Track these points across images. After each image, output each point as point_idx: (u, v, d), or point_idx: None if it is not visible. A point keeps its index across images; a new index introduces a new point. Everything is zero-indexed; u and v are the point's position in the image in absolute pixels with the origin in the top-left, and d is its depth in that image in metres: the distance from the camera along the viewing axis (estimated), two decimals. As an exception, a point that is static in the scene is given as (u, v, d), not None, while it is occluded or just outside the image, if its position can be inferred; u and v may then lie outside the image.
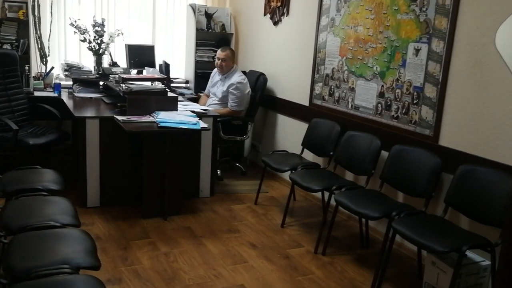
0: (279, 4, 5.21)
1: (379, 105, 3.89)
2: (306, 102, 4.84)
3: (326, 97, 4.53)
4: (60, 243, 2.36)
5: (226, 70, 5.12)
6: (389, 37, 3.77)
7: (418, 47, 3.51)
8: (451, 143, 3.29)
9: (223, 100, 5.08)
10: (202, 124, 4.03)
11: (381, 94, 3.87)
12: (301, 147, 4.52)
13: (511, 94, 2.89)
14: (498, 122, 2.96)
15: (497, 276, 1.69)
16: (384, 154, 3.65)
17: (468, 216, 3.05)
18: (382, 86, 3.85)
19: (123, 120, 3.95)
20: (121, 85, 4.29)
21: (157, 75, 4.96)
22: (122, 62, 5.51)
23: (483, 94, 3.06)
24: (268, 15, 5.44)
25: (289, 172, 4.07)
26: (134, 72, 5.27)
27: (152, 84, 4.46)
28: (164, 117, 4.00)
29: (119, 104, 4.43)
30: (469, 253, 2.94)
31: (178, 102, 4.44)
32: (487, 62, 3.03)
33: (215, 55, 5.32)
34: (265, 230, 3.97)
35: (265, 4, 5.49)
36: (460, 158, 3.16)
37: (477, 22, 3.10)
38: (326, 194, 3.78)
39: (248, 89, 5.11)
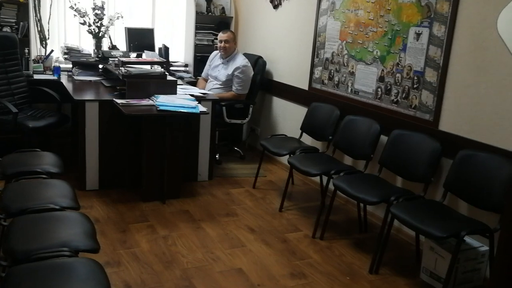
0: (279, -13, 5.09)
1: (379, 89, 3.80)
2: (305, 86, 4.74)
3: (326, 81, 4.44)
4: (60, 226, 2.33)
5: (230, 52, 5.03)
6: (389, 21, 3.66)
7: (419, 31, 3.41)
8: (451, 128, 3.21)
9: (227, 84, 5.00)
10: (201, 108, 3.95)
11: (381, 79, 3.78)
12: (300, 131, 4.45)
13: (513, 79, 2.81)
14: (499, 107, 2.88)
15: (496, 262, 1.64)
16: (384, 138, 3.57)
17: (467, 201, 2.98)
18: (382, 70, 3.76)
19: (122, 103, 3.87)
20: (121, 68, 4.20)
21: (157, 58, 4.86)
22: (122, 45, 5.40)
23: (484, 78, 2.98)
24: (268, -1, 5.32)
25: (288, 156, 4.00)
26: (133, 55, 5.17)
27: (151, 68, 4.37)
28: (163, 101, 3.92)
29: (118, 87, 4.35)
30: (468, 239, 2.88)
31: (177, 86, 4.35)
32: (488, 47, 2.94)
33: (215, 39, 5.21)
34: (263, 214, 3.91)
35: (265, -13, 5.37)
36: (460, 143, 3.08)
37: (479, 6, 3.00)
38: (325, 178, 3.70)
39: (252, 72, 5.02)
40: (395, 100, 3.64)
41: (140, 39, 5.40)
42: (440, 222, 2.75)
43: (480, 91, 3.00)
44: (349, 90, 4.13)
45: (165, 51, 5.38)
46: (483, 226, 2.73)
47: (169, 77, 4.43)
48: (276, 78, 5.27)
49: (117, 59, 4.59)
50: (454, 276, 2.80)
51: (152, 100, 3.98)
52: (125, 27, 5.36)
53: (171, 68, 5.56)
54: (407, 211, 2.88)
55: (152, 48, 5.40)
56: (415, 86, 3.46)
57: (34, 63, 5.13)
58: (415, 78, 3.46)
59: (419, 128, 3.38)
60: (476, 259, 2.87)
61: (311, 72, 4.64)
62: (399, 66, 3.59)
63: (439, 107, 3.28)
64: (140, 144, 3.96)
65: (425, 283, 2.99)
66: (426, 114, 3.38)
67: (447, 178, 3.05)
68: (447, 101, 3.23)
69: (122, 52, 5.07)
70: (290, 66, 5.01)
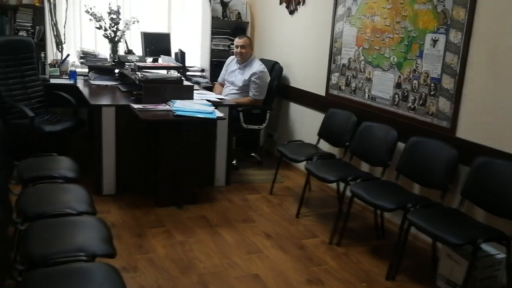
0: (295, -8, 5.24)
1: (396, 96, 3.91)
2: (322, 92, 4.87)
3: (343, 87, 4.56)
4: (76, 231, 2.44)
5: (246, 57, 5.18)
6: (406, 27, 3.78)
7: (435, 38, 3.53)
8: (468, 135, 3.31)
9: (243, 89, 5.14)
10: (218, 113, 4.09)
11: (398, 85, 3.89)
12: (317, 137, 4.57)
13: (530, 87, 2.91)
14: (516, 115, 2.98)
15: None
16: (401, 145, 3.68)
17: (484, 208, 3.08)
18: (399, 76, 3.87)
19: (139, 108, 4.02)
20: (137, 73, 4.36)
21: (173, 63, 5.02)
22: (138, 50, 5.57)
23: (501, 86, 3.08)
24: (284, 4, 5.46)
25: (305, 162, 4.12)
26: (149, 60, 5.33)
27: (167, 73, 4.53)
28: (180, 106, 4.06)
29: (134, 92, 4.49)
30: (484, 246, 2.97)
31: (194, 91, 4.49)
32: (505, 54, 3.04)
33: (231, 44, 5.36)
34: (280, 220, 4.03)
35: (281, -7, 5.51)
36: (477, 150, 3.18)
37: (496, 13, 3.10)
38: (342, 185, 3.82)
39: (269, 78, 5.17)
40: (412, 106, 3.76)
41: (156, 43, 5.57)
42: (457, 229, 2.86)
43: (497, 98, 3.10)
44: (366, 96, 4.25)
45: (181, 56, 5.53)
46: (500, 234, 2.83)
47: (186, 82, 4.59)
48: (293, 84, 5.40)
49: (133, 63, 4.74)
50: (471, 283, 2.90)
51: (169, 105, 4.12)
52: (141, 32, 5.53)
53: (188, 73, 5.71)
54: (424, 218, 2.99)
55: (168, 53, 5.56)
56: (432, 93, 3.57)
57: (51, 67, 5.31)
58: (432, 85, 3.57)
59: (436, 135, 3.49)
60: (493, 266, 2.96)
61: (328, 78, 4.76)
62: (416, 72, 3.70)
63: (456, 114, 3.38)
64: (157, 149, 4.10)
65: (441, 290, 3.10)
66: (443, 121, 3.49)
67: (464, 185, 3.15)
68: (464, 108, 3.34)
69: (138, 56, 5.23)
70: (307, 72, 5.14)
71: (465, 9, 3.29)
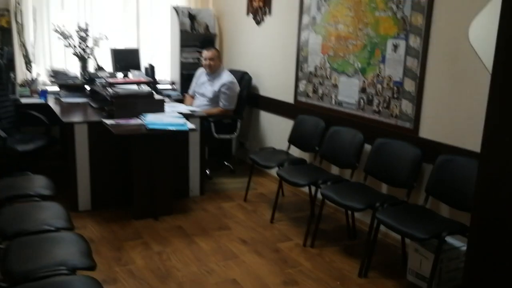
0: (261, 4, 5.39)
1: (361, 100, 4.08)
2: (291, 100, 5.03)
3: (311, 94, 4.72)
4: (56, 246, 2.50)
5: (215, 69, 5.30)
6: (368, 34, 3.96)
7: (396, 43, 3.71)
8: (431, 134, 3.49)
9: (214, 100, 5.26)
10: (190, 125, 4.19)
11: (362, 90, 4.07)
12: (288, 143, 4.71)
13: (486, 86, 3.07)
14: (474, 113, 3.16)
15: (467, 261, 1.83)
16: (367, 147, 3.85)
17: (447, 204, 3.26)
18: (364, 81, 4.05)
19: (111, 123, 4.09)
20: (108, 89, 4.43)
21: (143, 78, 5.11)
22: (108, 66, 5.64)
23: (459, 86, 3.27)
24: (251, 15, 5.61)
25: (277, 168, 4.26)
26: (120, 75, 5.41)
27: (138, 87, 4.61)
28: (152, 120, 4.16)
29: (106, 108, 4.55)
30: (450, 239, 3.14)
31: (165, 104, 4.59)
32: (462, 56, 3.24)
33: (200, 56, 5.48)
34: (255, 226, 4.15)
35: (247, 4, 5.66)
36: (439, 149, 3.36)
37: (451, 17, 3.30)
38: (313, 188, 3.96)
39: (239, 88, 5.30)
40: (377, 110, 3.93)
41: (126, 59, 5.65)
42: (422, 225, 3.02)
43: (456, 98, 3.29)
44: (333, 102, 4.41)
45: (151, 70, 5.65)
46: (463, 227, 2.99)
47: (157, 96, 4.68)
48: (263, 92, 5.55)
49: (104, 80, 4.82)
50: (438, 276, 3.06)
51: (141, 119, 4.21)
52: (110, 48, 5.61)
53: (158, 86, 5.82)
54: (391, 216, 3.15)
55: (138, 68, 5.65)
56: (395, 96, 3.75)
57: (21, 87, 5.33)
58: (395, 88, 3.75)
59: (400, 136, 3.66)
60: (458, 258, 3.13)
61: (296, 86, 4.92)
62: (379, 77, 3.88)
63: (418, 115, 3.56)
64: (131, 163, 4.18)
65: (411, 284, 3.24)
66: (406, 122, 3.66)
67: (428, 183, 3.32)
68: (425, 109, 3.52)
69: (109, 73, 5.31)
70: (276, 81, 5.29)
71: (423, 15, 3.48)
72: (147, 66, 5.77)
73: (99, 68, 5.53)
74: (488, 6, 2.60)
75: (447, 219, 3.18)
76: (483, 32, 2.96)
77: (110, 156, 4.32)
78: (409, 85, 3.62)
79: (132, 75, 5.40)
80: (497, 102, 1.62)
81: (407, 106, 3.65)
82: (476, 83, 3.15)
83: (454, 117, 3.31)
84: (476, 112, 3.14)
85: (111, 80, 4.64)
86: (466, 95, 3.22)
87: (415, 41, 3.56)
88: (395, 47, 3.72)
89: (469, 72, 3.19)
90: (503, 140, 1.59)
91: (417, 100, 3.57)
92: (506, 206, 1.59)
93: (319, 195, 3.77)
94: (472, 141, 3.17)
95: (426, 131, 3.53)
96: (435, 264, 2.93)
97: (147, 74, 5.64)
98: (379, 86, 3.90)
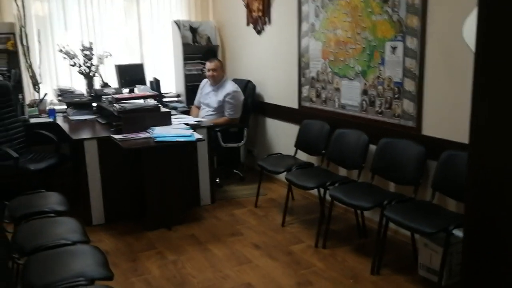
0: (260, 13, 5.53)
1: (364, 102, 4.20)
2: (295, 105, 5.15)
3: (314, 99, 4.84)
4: (74, 259, 2.61)
5: (218, 79, 5.44)
6: (366, 37, 4.09)
7: (394, 45, 3.83)
8: (433, 131, 3.60)
9: (219, 110, 5.39)
10: (197, 135, 4.31)
11: (364, 92, 4.18)
12: (294, 148, 4.83)
13: (483, 81, 3.20)
14: (473, 108, 3.27)
15: (464, 253, 1.89)
16: (372, 147, 3.96)
17: (454, 198, 3.36)
18: (365, 84, 4.17)
19: (120, 138, 4.21)
20: (115, 105, 4.56)
21: (149, 92, 5.25)
22: (113, 82, 5.79)
23: (456, 83, 3.38)
24: (251, 25, 5.76)
25: (285, 173, 4.37)
26: (125, 91, 5.55)
27: (144, 101, 4.75)
28: (160, 132, 4.28)
29: (114, 123, 4.66)
30: (458, 232, 3.23)
31: (172, 116, 4.72)
32: (457, 54, 3.35)
33: (203, 67, 5.62)
34: (267, 230, 4.26)
35: (247, 15, 5.81)
36: (443, 145, 3.46)
37: (445, 17, 3.42)
38: (322, 190, 4.07)
39: (243, 97, 5.44)
40: (379, 110, 4.04)
41: (131, 74, 5.81)
42: (429, 220, 3.12)
43: (455, 95, 3.40)
44: (337, 105, 4.53)
45: (156, 84, 5.79)
46: (470, 219, 3.09)
47: (163, 109, 4.81)
48: (267, 100, 5.68)
49: (110, 96, 4.95)
50: (448, 269, 3.15)
51: (149, 133, 4.34)
52: (115, 65, 5.76)
53: (164, 99, 5.96)
54: (399, 212, 3.25)
55: (143, 82, 5.80)
56: (396, 96, 3.87)
57: (29, 107, 5.47)
58: (396, 88, 3.86)
59: (404, 134, 3.77)
60: (467, 250, 3.22)
61: (299, 91, 5.05)
62: (380, 78, 4.00)
63: (420, 113, 3.68)
64: (141, 176, 4.30)
65: (423, 278, 3.34)
66: (409, 121, 3.78)
67: (434, 179, 3.43)
68: (426, 107, 3.64)
69: (114, 88, 5.44)
70: (279, 87, 5.43)
71: (418, 16, 3.60)
72: (152, 80, 5.91)
73: (105, 84, 5.67)
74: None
75: (454, 213, 3.29)
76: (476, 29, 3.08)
77: (121, 170, 4.45)
78: (409, 85, 3.74)
79: (137, 89, 5.54)
80: (479, 96, 1.73)
81: (408, 106, 3.77)
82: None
83: (454, 113, 3.42)
84: (476, 107, 3.25)
85: (117, 96, 4.77)
86: (464, 91, 3.32)
87: (412, 42, 3.67)
88: (393, 49, 3.84)
89: (466, 68, 3.27)
90: (489, 133, 1.68)
91: (418, 99, 3.68)
92: (495, 197, 1.68)
93: (328, 197, 3.88)
94: (474, 135, 3.27)
95: (429, 129, 3.64)
96: (444, 257, 3.04)
97: (152, 88, 5.78)
98: (380, 87, 4.02)
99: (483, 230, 1.74)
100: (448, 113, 3.48)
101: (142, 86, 5.56)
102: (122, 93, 5.31)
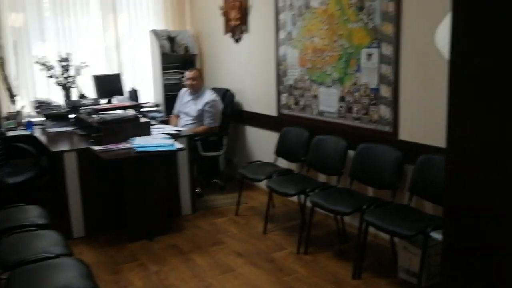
0: (238, 22, 5.60)
1: (341, 108, 4.28)
2: (274, 113, 5.21)
3: (293, 106, 4.91)
4: (58, 272, 2.60)
5: (197, 88, 5.48)
6: (343, 45, 4.17)
7: (370, 52, 3.92)
8: (409, 136, 3.69)
9: (198, 119, 5.43)
10: (178, 145, 4.35)
11: (341, 98, 4.27)
12: (274, 155, 4.89)
13: (456, 87, 3.30)
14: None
15: (443, 255, 1.95)
16: (351, 153, 4.04)
17: (430, 201, 3.45)
18: (342, 90, 4.25)
19: (100, 149, 4.21)
20: (94, 116, 4.57)
21: (127, 102, 5.26)
22: (91, 93, 5.78)
23: (431, 89, 3.48)
24: (229, 34, 5.82)
25: (265, 180, 4.42)
26: (104, 101, 5.55)
27: (124, 112, 4.76)
28: (141, 142, 4.30)
29: (93, 135, 4.64)
30: (436, 234, 3.31)
31: (151, 126, 4.74)
32: (430, 60, 3.45)
33: (182, 77, 5.65)
34: (249, 238, 4.30)
35: (225, 23, 5.87)
36: (419, 149, 3.55)
37: (419, 24, 3.52)
38: (302, 197, 4.13)
39: (222, 105, 5.48)
40: (357, 117, 4.13)
41: (108, 85, 5.82)
42: (408, 223, 3.20)
43: (429, 100, 3.49)
44: (315, 112, 4.61)
45: (134, 94, 5.81)
46: (447, 221, 3.17)
47: (143, 119, 4.83)
48: (246, 108, 5.74)
49: (88, 107, 4.95)
50: (427, 270, 3.23)
51: (129, 143, 4.35)
52: (92, 75, 5.76)
53: (143, 109, 5.96)
54: (378, 216, 3.33)
55: (121, 93, 5.81)
56: (372, 102, 3.95)
57: (6, 120, 5.44)
58: (372, 95, 3.95)
59: (381, 140, 3.86)
60: (445, 252, 3.30)
61: (278, 99, 5.11)
62: (356, 85, 4.09)
63: (396, 118, 3.77)
64: (122, 187, 4.31)
65: (403, 281, 3.42)
66: (385, 127, 3.86)
67: (411, 182, 3.52)
68: (402, 112, 3.73)
69: (92, 99, 5.44)
70: (258, 95, 5.49)
71: (392, 24, 3.70)
72: (130, 90, 5.93)
73: (82, 96, 5.66)
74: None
75: (431, 215, 3.37)
76: (448, 35, 3.18)
77: (101, 182, 4.44)
78: (385, 91, 3.83)
79: (116, 100, 5.54)
80: (454, 100, 1.79)
81: (385, 111, 3.85)
82: (446, 84, 3.34)
83: (429, 118, 3.51)
84: (450, 112, 3.34)
85: (96, 107, 4.78)
86: (438, 96, 3.40)
87: (387, 49, 3.77)
88: (369, 56, 3.93)
89: (439, 75, 3.37)
90: (464, 137, 1.75)
91: (394, 104, 3.77)
92: (472, 199, 1.75)
93: (308, 203, 3.94)
94: (449, 139, 3.36)
95: (405, 134, 3.73)
96: (423, 259, 3.11)
97: (130, 98, 5.79)
98: (357, 94, 4.10)
99: (462, 231, 1.80)
100: (422, 117, 3.57)
101: (121, 97, 5.57)
102: (100, 104, 5.31)
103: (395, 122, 3.78)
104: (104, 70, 6.11)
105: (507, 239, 1.59)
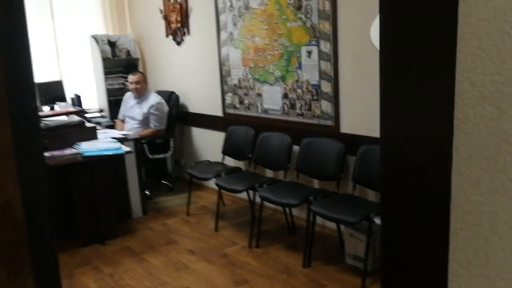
0: (179, 25, 5.69)
1: (285, 105, 4.46)
2: (220, 113, 5.34)
3: (238, 105, 5.05)
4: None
5: (142, 92, 5.52)
6: (283, 43, 4.35)
7: (309, 49, 4.12)
8: (350, 129, 3.91)
9: (144, 122, 5.48)
10: (125, 148, 4.40)
11: (285, 96, 4.45)
12: (222, 154, 5.01)
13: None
14: (384, 105, 3.59)
15: (383, 239, 2.13)
16: (296, 148, 4.22)
17: (372, 189, 3.68)
18: (285, 88, 4.43)
19: (45, 156, 4.22)
20: (38, 123, 4.54)
21: (70, 108, 5.25)
22: (32, 100, 5.70)
23: (367, 83, 3.70)
24: (171, 36, 5.89)
25: (214, 179, 4.54)
26: (46, 108, 5.51)
27: (68, 118, 4.76)
28: (87, 147, 4.32)
29: (38, 142, 4.65)
30: (379, 220, 3.53)
31: (97, 131, 4.76)
32: (366, 55, 3.67)
33: (125, 81, 5.68)
34: (201, 236, 4.41)
35: (165, 26, 5.94)
36: (360, 141, 3.77)
37: (354, 22, 3.74)
38: (251, 192, 4.28)
39: (167, 108, 5.55)
40: (300, 112, 4.31)
41: (50, 91, 5.76)
42: (352, 210, 3.40)
43: (367, 94, 3.71)
44: (260, 110, 4.77)
45: (77, 100, 5.78)
46: (388, 207, 3.40)
47: (88, 124, 4.84)
48: (192, 109, 5.83)
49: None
50: (372, 255, 3.45)
51: (75, 149, 4.36)
52: (33, 82, 5.68)
53: (87, 115, 5.94)
54: (324, 206, 3.52)
55: (63, 99, 5.77)
56: (314, 98, 4.15)
57: None
58: (314, 91, 4.15)
59: (324, 134, 4.06)
60: (388, 236, 3.52)
61: (223, 99, 5.24)
62: (298, 82, 4.27)
63: (337, 113, 3.98)
64: (70, 192, 4.31)
65: (351, 266, 3.62)
66: (328, 121, 4.07)
67: (353, 173, 3.73)
68: (343, 106, 3.94)
69: (34, 107, 5.38)
70: (202, 96, 5.60)
71: (329, 22, 3.90)
72: (73, 96, 5.90)
73: (24, 103, 5.57)
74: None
75: (374, 202, 3.60)
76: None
77: (49, 188, 4.41)
78: (326, 87, 4.03)
79: (58, 106, 5.51)
80: (385, 93, 1.97)
81: (326, 106, 4.06)
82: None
83: (367, 110, 3.73)
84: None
85: (39, 113, 4.75)
86: (375, 90, 3.61)
87: (325, 46, 3.97)
88: (309, 53, 4.12)
89: (375, 69, 3.58)
90: (396, 128, 1.93)
91: (335, 99, 3.98)
92: (405, 186, 1.94)
93: (257, 199, 4.09)
94: (386, 130, 3.59)
95: (346, 127, 3.94)
96: (368, 244, 3.32)
97: (73, 104, 5.77)
98: (299, 90, 4.29)
99: (397, 216, 1.99)
100: (361, 110, 3.79)
101: (63, 103, 5.54)
102: (42, 111, 5.28)
103: (336, 116, 3.99)
104: (45, 77, 6.04)
105: (438, 219, 1.79)
